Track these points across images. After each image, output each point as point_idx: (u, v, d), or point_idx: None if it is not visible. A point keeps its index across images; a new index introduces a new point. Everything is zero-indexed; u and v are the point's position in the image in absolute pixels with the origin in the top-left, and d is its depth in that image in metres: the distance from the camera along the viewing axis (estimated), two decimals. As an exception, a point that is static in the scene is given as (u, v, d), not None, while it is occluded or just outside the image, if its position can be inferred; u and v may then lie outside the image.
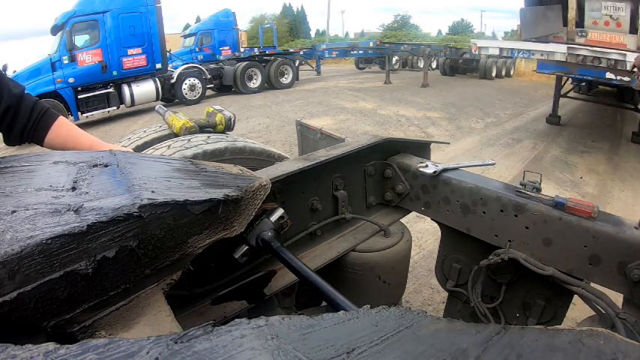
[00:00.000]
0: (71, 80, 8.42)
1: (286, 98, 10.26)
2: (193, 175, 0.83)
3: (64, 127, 1.11)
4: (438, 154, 4.98)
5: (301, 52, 14.59)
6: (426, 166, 1.18)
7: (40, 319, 0.51)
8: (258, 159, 1.60)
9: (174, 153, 1.51)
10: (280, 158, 1.65)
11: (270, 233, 0.86)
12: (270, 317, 0.40)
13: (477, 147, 5.77)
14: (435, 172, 1.15)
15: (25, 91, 1.07)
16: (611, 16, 5.38)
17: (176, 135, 1.89)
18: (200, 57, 12.79)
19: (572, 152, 5.42)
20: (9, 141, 1.08)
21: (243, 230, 0.80)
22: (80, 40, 8.69)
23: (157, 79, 9.65)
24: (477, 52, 6.40)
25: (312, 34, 54.81)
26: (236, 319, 0.39)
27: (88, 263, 0.54)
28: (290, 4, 53.07)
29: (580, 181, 4.38)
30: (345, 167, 1.19)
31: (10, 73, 8.01)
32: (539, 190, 0.99)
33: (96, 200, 0.61)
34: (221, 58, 12.74)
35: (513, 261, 0.97)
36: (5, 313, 0.46)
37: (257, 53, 12.68)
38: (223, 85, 11.88)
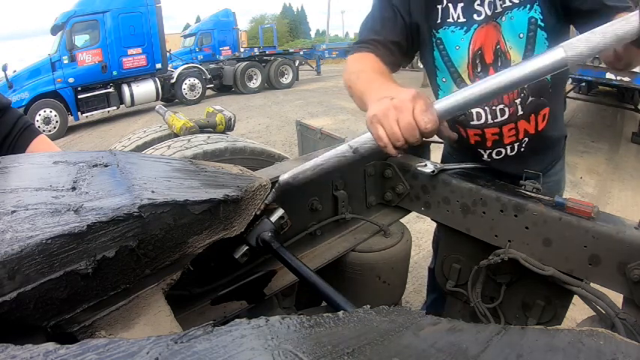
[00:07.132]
0: (71, 80, 8.43)
1: (286, 98, 10.26)
2: (193, 175, 0.83)
3: (44, 143, 1.12)
4: (438, 154, 4.97)
5: (301, 52, 14.60)
6: (426, 165, 1.18)
7: (40, 319, 0.51)
8: (258, 159, 1.60)
9: (174, 153, 1.52)
10: (280, 158, 1.66)
11: (270, 233, 0.86)
12: (270, 317, 0.40)
13: (477, 147, 5.75)
14: (434, 171, 1.15)
15: (12, 105, 1.09)
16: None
17: (176, 135, 1.89)
18: (200, 57, 12.80)
19: (572, 152, 5.41)
20: None
21: (243, 230, 0.80)
22: (80, 40, 8.71)
23: (156, 79, 9.67)
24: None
25: (312, 34, 54.92)
26: (236, 319, 0.39)
27: (88, 263, 0.54)
28: (290, 4, 53.17)
29: (580, 181, 4.38)
30: (345, 167, 1.19)
31: (10, 73, 8.02)
32: (539, 190, 0.99)
33: (96, 200, 0.61)
34: (221, 58, 12.75)
35: (513, 261, 0.97)
36: (5, 313, 0.46)
37: (257, 53, 12.69)
38: (223, 85, 11.88)
